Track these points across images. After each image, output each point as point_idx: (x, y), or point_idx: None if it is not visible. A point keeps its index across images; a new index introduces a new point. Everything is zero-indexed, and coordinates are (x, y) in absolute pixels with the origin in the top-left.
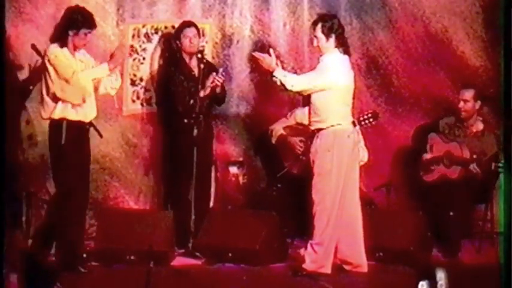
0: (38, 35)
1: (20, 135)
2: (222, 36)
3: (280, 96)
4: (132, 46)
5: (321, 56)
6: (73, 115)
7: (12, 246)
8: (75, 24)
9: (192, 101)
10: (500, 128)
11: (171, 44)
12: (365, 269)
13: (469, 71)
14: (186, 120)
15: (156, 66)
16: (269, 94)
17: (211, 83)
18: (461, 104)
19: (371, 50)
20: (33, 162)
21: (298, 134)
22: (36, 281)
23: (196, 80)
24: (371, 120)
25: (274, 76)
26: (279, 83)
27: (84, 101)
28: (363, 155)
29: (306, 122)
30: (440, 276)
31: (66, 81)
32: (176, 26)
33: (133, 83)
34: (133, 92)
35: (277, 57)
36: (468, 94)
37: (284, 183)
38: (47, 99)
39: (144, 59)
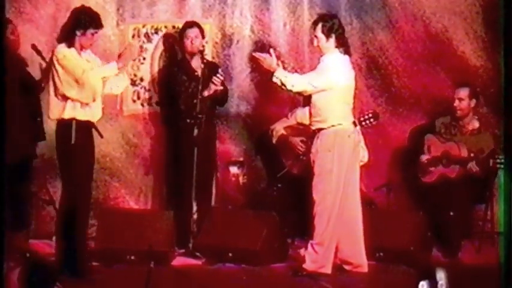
0: (38, 35)
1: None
2: (222, 36)
3: (281, 96)
4: (141, 47)
5: (321, 56)
6: (82, 115)
7: (13, 246)
8: (82, 25)
9: (194, 101)
10: (500, 128)
11: (171, 44)
12: (365, 269)
13: (469, 71)
14: (186, 120)
15: (156, 66)
16: (269, 94)
17: (212, 84)
18: (457, 102)
19: (371, 50)
20: (34, 163)
21: (298, 134)
22: (36, 280)
23: (199, 80)
24: (372, 120)
25: (274, 76)
26: (279, 83)
27: (94, 100)
28: (363, 155)
29: (306, 122)
30: (441, 276)
31: (76, 81)
32: (176, 26)
33: (133, 83)
34: (134, 92)
35: (278, 57)
36: (463, 92)
37: (284, 183)
38: (54, 99)
39: (144, 59)
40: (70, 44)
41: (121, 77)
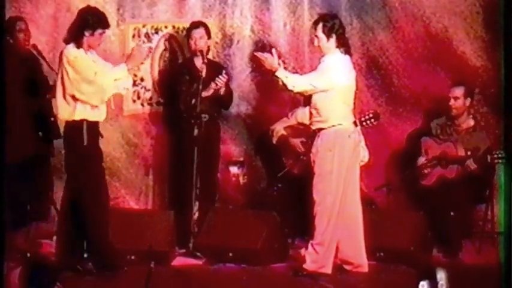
0: (38, 35)
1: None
2: (222, 36)
3: (281, 96)
4: (150, 48)
5: (322, 56)
6: (92, 116)
7: (13, 246)
8: (90, 25)
9: (193, 101)
10: (500, 128)
11: (172, 44)
12: (366, 269)
13: (469, 71)
14: (187, 120)
15: (156, 66)
16: (270, 94)
17: (214, 84)
18: (452, 101)
19: (371, 50)
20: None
21: (299, 134)
22: (37, 280)
23: (203, 80)
24: (372, 120)
25: (275, 76)
26: (280, 84)
27: (103, 102)
28: (364, 155)
29: (307, 122)
30: (441, 276)
31: (88, 82)
32: (176, 26)
33: (133, 83)
34: (134, 92)
35: (278, 57)
36: (458, 91)
37: (285, 183)
38: (63, 100)
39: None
40: (79, 45)
41: (126, 77)
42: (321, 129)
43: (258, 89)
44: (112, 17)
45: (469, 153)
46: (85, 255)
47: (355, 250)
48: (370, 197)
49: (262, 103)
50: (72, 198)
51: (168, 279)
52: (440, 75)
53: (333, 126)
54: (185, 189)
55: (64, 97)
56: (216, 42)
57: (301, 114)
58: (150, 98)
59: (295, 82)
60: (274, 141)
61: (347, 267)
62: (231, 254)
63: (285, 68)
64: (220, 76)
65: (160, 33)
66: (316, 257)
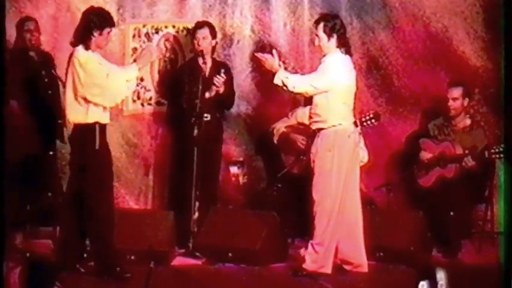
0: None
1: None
2: (222, 36)
3: (281, 96)
4: (167, 48)
5: (322, 56)
6: (104, 118)
7: (13, 246)
8: (98, 25)
9: (195, 101)
10: (500, 128)
11: (172, 44)
12: (365, 269)
13: (469, 71)
14: (187, 120)
15: (156, 66)
16: (270, 94)
17: (214, 85)
18: (451, 102)
19: (371, 50)
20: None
21: (299, 134)
22: (36, 280)
23: (204, 80)
24: (373, 121)
25: (276, 77)
26: (281, 84)
27: (116, 104)
28: (363, 156)
29: (307, 122)
30: (441, 276)
31: (101, 85)
32: (176, 26)
33: None
34: (134, 92)
35: (279, 57)
36: (457, 92)
37: (284, 183)
38: (74, 102)
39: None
40: (87, 46)
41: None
42: (320, 129)
43: (258, 89)
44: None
45: (466, 151)
46: (84, 255)
47: (354, 250)
48: (369, 197)
49: (262, 103)
50: (78, 199)
51: (168, 279)
52: (440, 75)
53: (333, 126)
54: (185, 189)
55: (76, 99)
56: (216, 42)
57: (301, 114)
58: (150, 98)
59: (295, 83)
60: (275, 140)
61: (347, 267)
62: (230, 254)
63: (285, 68)
64: (218, 75)
65: (161, 33)
66: (315, 257)
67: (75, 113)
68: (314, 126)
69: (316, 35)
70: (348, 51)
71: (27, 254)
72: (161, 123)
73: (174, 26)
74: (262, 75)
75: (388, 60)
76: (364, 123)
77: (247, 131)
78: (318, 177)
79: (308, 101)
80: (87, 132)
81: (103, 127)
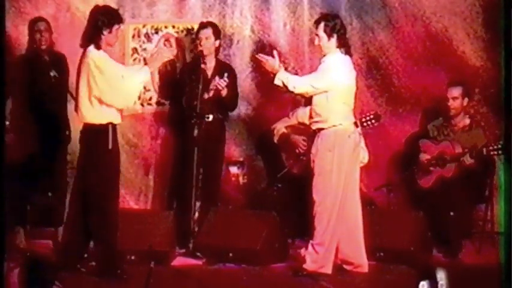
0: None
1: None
2: (222, 36)
3: (281, 97)
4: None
5: (322, 56)
6: (117, 119)
7: (13, 245)
8: (107, 23)
9: (195, 102)
10: (500, 128)
11: (172, 44)
12: (366, 269)
13: (469, 71)
14: (187, 120)
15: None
16: (270, 94)
17: (214, 86)
18: (451, 101)
19: (371, 50)
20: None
21: (300, 134)
22: (36, 280)
23: (204, 80)
24: (373, 121)
25: (276, 78)
26: (281, 85)
27: (130, 105)
28: (364, 156)
29: (307, 122)
30: (441, 276)
31: (116, 86)
32: (176, 26)
33: None
34: None
35: (279, 57)
36: (456, 91)
37: (284, 183)
38: (87, 102)
39: (144, 59)
40: (98, 46)
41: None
42: (320, 129)
43: (258, 89)
44: None
45: (466, 150)
46: (85, 255)
47: (355, 250)
48: (369, 197)
49: (262, 103)
50: (85, 199)
51: (168, 279)
52: (440, 75)
53: (333, 126)
54: (185, 189)
55: (89, 99)
56: (220, 43)
57: (302, 114)
58: (150, 98)
59: (295, 83)
60: (275, 140)
61: (347, 267)
62: (231, 254)
63: (285, 68)
64: (220, 79)
65: (160, 33)
66: (316, 257)
67: (89, 113)
68: (314, 126)
69: (316, 35)
70: (348, 52)
71: (27, 254)
72: (161, 123)
73: (174, 26)
74: (262, 76)
75: (388, 60)
76: (365, 124)
77: (247, 131)
78: (318, 178)
79: (308, 101)
80: (101, 133)
81: (115, 127)
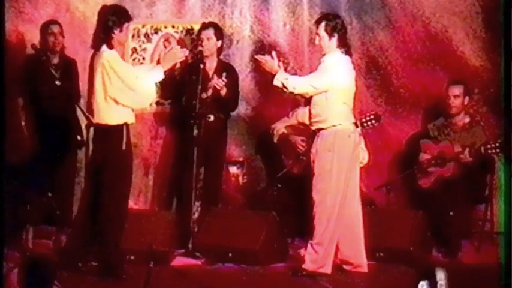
0: (38, 35)
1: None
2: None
3: (281, 97)
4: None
5: (322, 55)
6: (131, 118)
7: (13, 245)
8: (117, 21)
9: (194, 102)
10: (500, 128)
11: (171, 44)
12: (365, 269)
13: (469, 71)
14: (187, 120)
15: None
16: (269, 94)
17: (212, 85)
18: (452, 99)
19: (371, 50)
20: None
21: (299, 134)
22: (35, 280)
23: (204, 80)
24: (373, 122)
25: (276, 79)
26: (280, 86)
27: (146, 106)
28: (364, 157)
29: (307, 122)
30: (441, 276)
31: (130, 87)
32: (176, 26)
33: None
34: None
35: (278, 58)
36: (458, 90)
37: (284, 183)
38: (103, 103)
39: (144, 59)
40: (110, 46)
41: None
42: (320, 129)
43: (257, 89)
44: None
45: (466, 149)
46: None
47: (354, 250)
48: (369, 197)
49: (262, 103)
50: (95, 198)
51: (167, 279)
52: (440, 75)
53: (333, 126)
54: (185, 190)
55: (105, 100)
56: (222, 43)
57: (302, 114)
58: None
59: (295, 84)
60: (274, 140)
61: (346, 267)
62: (230, 254)
63: (285, 68)
64: (218, 79)
65: (160, 33)
66: (315, 257)
67: (104, 114)
68: (314, 127)
69: (317, 34)
70: (348, 52)
71: (27, 254)
72: (161, 123)
73: (173, 26)
74: (262, 76)
75: (388, 60)
76: (364, 125)
77: (247, 131)
78: (317, 178)
79: (308, 101)
80: (115, 133)
81: (128, 127)
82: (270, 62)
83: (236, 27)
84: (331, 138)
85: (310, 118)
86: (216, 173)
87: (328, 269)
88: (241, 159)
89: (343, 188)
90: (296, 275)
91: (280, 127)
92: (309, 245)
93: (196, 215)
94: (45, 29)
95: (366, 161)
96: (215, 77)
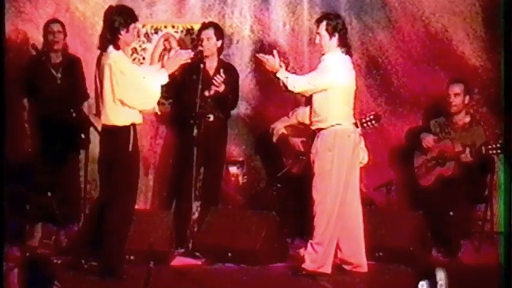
0: (38, 35)
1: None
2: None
3: (280, 96)
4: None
5: (322, 55)
6: (138, 119)
7: (13, 246)
8: (124, 22)
9: (195, 101)
10: (500, 127)
11: (171, 43)
12: (365, 269)
13: (469, 70)
14: (187, 120)
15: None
16: (269, 94)
17: (213, 85)
18: (452, 98)
19: (371, 50)
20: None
21: (299, 134)
22: (35, 280)
23: (204, 80)
24: (373, 122)
25: (276, 77)
26: (281, 84)
27: (152, 107)
28: (363, 157)
29: (307, 122)
30: (440, 276)
31: (138, 88)
32: (176, 25)
33: None
34: None
35: (279, 57)
36: (458, 88)
37: (284, 183)
38: (112, 104)
39: (144, 58)
40: (117, 46)
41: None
42: (320, 129)
43: (257, 89)
44: None
45: (467, 149)
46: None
47: (354, 250)
48: (369, 197)
49: (262, 103)
50: (103, 201)
51: (167, 279)
52: (440, 75)
53: (333, 126)
54: (185, 190)
55: (114, 101)
56: (223, 43)
57: (302, 114)
58: None
59: (295, 82)
60: (274, 140)
61: (346, 267)
62: (230, 254)
63: (285, 68)
64: (217, 76)
65: (160, 33)
66: (315, 257)
67: (112, 115)
68: (314, 126)
69: (318, 33)
70: (348, 52)
71: (26, 254)
72: (161, 123)
73: (173, 26)
74: (262, 75)
75: (388, 60)
76: (365, 125)
77: (247, 131)
78: (317, 177)
79: (308, 100)
80: (122, 134)
81: (136, 128)
82: (271, 60)
83: (236, 27)
84: (331, 138)
85: (310, 118)
86: (216, 173)
87: (328, 269)
88: (241, 159)
89: (343, 187)
90: (296, 275)
91: (280, 127)
92: (308, 245)
93: (196, 215)
94: (46, 28)
95: (365, 161)
96: (216, 76)
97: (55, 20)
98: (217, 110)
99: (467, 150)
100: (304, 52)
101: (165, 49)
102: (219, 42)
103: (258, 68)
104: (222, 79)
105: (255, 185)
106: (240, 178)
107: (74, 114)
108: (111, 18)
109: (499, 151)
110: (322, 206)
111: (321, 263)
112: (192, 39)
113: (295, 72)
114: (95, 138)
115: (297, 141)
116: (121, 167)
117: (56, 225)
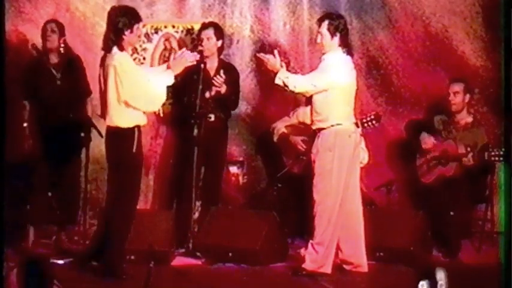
0: (37, 35)
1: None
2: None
3: (281, 96)
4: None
5: (323, 54)
6: (143, 121)
7: (13, 246)
8: (128, 23)
9: (195, 101)
10: (500, 127)
11: (171, 43)
12: (365, 268)
13: (469, 70)
14: (187, 120)
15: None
16: (270, 93)
17: (213, 85)
18: (452, 96)
19: (371, 49)
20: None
21: (300, 133)
22: (35, 280)
23: (204, 80)
24: (374, 122)
25: (277, 77)
26: (282, 85)
27: (157, 109)
28: (364, 157)
29: (308, 121)
30: (441, 276)
31: (142, 89)
32: (176, 25)
33: None
34: None
35: (279, 57)
36: (458, 87)
37: (285, 183)
38: (116, 105)
39: (144, 58)
40: (121, 47)
41: None
42: (321, 129)
43: (258, 89)
44: None
45: (468, 149)
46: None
47: (355, 250)
48: (369, 197)
49: (262, 103)
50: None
51: (167, 279)
52: (440, 75)
53: (333, 126)
54: (185, 189)
55: (119, 102)
56: (223, 43)
57: (303, 114)
58: None
59: (296, 82)
60: (275, 139)
61: (347, 267)
62: (230, 254)
63: (285, 68)
64: (218, 76)
65: (160, 33)
66: (315, 257)
67: (116, 116)
68: (314, 126)
69: (319, 32)
70: (349, 52)
71: (27, 254)
72: (161, 123)
73: (173, 26)
74: (262, 75)
75: (388, 60)
76: (365, 125)
77: (247, 131)
78: (318, 177)
79: (309, 100)
80: (126, 135)
81: (140, 130)
82: (272, 60)
83: (236, 27)
84: (331, 138)
85: (311, 118)
86: (216, 172)
87: (328, 269)
88: (241, 158)
89: (343, 187)
90: (296, 275)
91: (280, 127)
92: (309, 245)
93: (197, 214)
94: (44, 28)
95: (366, 161)
96: (217, 76)
97: (52, 20)
98: (218, 110)
99: (470, 155)
100: (304, 52)
101: (165, 49)
102: (219, 42)
103: (259, 68)
104: (222, 80)
105: (256, 185)
106: (241, 178)
107: (71, 116)
108: (115, 19)
109: (501, 158)
110: (323, 206)
111: (321, 263)
112: (192, 39)
113: (295, 72)
114: (95, 138)
115: (297, 140)
116: (125, 168)
117: (56, 225)
